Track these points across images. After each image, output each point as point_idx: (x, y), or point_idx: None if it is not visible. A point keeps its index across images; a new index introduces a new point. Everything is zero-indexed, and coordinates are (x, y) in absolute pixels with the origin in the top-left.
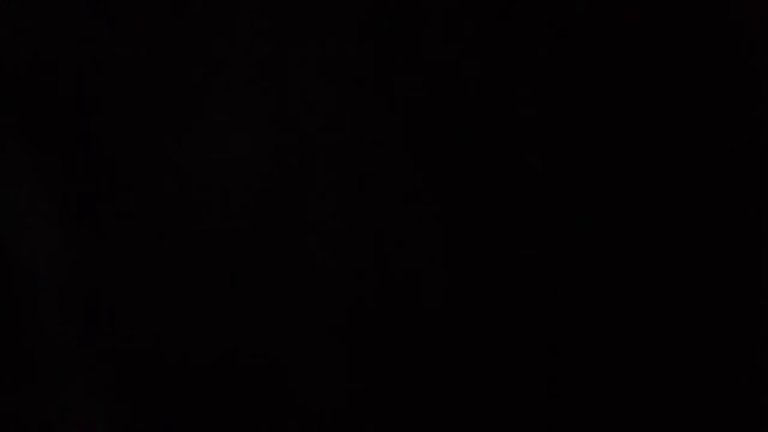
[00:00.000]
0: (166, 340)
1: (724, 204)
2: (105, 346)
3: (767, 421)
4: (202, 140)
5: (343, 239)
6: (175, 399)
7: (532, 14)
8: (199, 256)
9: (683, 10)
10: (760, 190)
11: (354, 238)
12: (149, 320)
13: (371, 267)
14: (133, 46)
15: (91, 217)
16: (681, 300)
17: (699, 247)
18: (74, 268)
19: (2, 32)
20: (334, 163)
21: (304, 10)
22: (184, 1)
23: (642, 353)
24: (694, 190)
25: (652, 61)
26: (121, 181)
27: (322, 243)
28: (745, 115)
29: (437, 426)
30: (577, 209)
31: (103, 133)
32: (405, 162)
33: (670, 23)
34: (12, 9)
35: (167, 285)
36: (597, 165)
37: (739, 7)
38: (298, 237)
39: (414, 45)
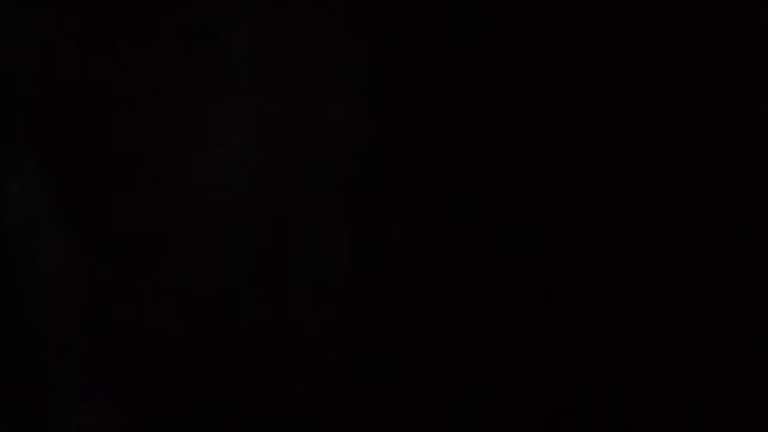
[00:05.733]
0: (168, 341)
1: (725, 205)
2: (107, 346)
3: (767, 421)
4: (204, 142)
5: (344, 243)
6: (176, 399)
7: (533, 14)
8: (200, 257)
9: (684, 11)
10: (760, 190)
11: (354, 242)
12: (151, 321)
13: (372, 273)
14: (132, 51)
15: (94, 218)
16: (683, 302)
17: (700, 248)
18: (77, 268)
19: (7, 39)
20: (333, 167)
21: (304, 12)
22: (184, 5)
23: (645, 361)
24: (694, 191)
25: (651, 61)
26: (125, 183)
27: (322, 247)
28: (745, 116)
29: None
30: (578, 212)
31: (104, 136)
32: (405, 166)
33: (669, 24)
34: (15, 14)
35: (169, 286)
36: (599, 167)
37: (739, 7)
38: (299, 241)
39: (413, 48)
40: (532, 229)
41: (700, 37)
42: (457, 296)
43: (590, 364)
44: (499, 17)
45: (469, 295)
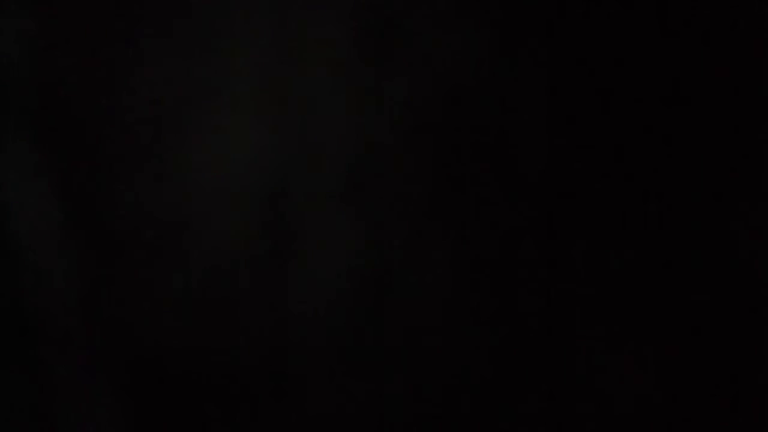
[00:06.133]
0: (169, 340)
1: (724, 204)
2: (108, 345)
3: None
4: (205, 141)
5: (344, 244)
6: (178, 399)
7: (532, 13)
8: (202, 257)
9: (683, 11)
10: (760, 190)
11: (353, 245)
12: (152, 320)
13: (372, 276)
14: (134, 51)
15: (95, 217)
16: (682, 301)
17: (699, 248)
18: (79, 267)
19: (10, 38)
20: (335, 167)
21: (305, 14)
22: (186, 6)
23: (645, 357)
24: (694, 191)
25: (651, 62)
26: (127, 181)
27: (323, 248)
28: (745, 116)
29: None
30: (579, 213)
31: (106, 135)
32: (407, 167)
33: (669, 24)
34: (15, 13)
35: (171, 285)
36: (598, 168)
37: (739, 7)
38: (301, 241)
39: (414, 47)
40: (536, 230)
41: (700, 36)
42: (460, 297)
43: (591, 363)
44: (500, 17)
45: (472, 296)
